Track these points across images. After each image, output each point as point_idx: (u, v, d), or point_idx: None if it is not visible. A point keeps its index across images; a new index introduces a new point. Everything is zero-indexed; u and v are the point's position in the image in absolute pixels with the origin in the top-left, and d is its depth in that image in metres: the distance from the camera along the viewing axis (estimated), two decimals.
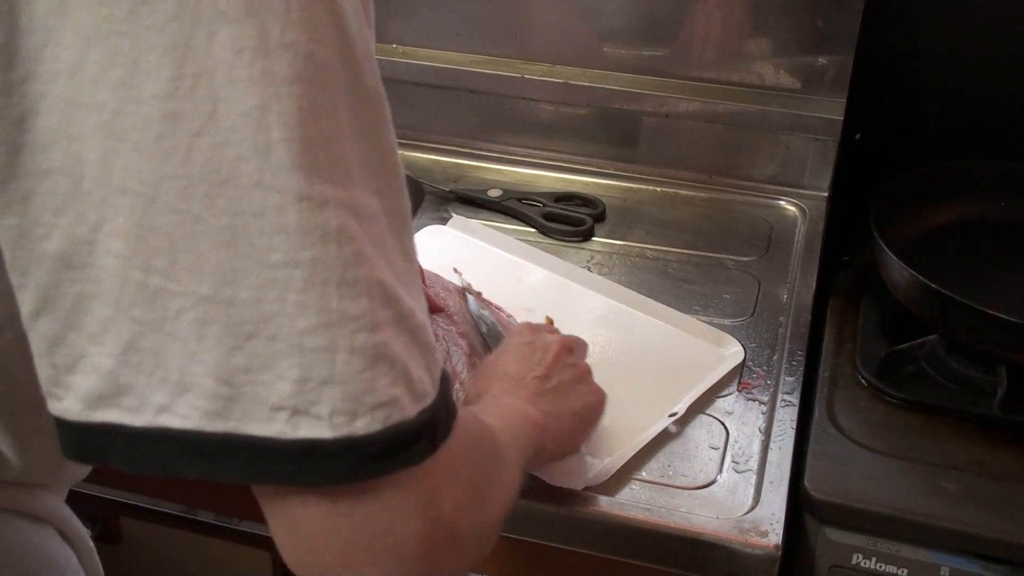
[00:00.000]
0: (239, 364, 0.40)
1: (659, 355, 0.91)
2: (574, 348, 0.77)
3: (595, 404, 0.75)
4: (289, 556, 0.45)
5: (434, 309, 0.90)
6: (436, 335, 0.87)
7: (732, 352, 0.91)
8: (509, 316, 0.92)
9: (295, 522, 0.43)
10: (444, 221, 1.10)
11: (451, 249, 1.05)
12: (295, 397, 0.40)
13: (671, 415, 0.83)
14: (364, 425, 0.41)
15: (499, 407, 0.65)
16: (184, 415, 0.40)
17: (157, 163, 0.38)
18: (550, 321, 0.93)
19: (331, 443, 0.40)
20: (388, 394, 0.41)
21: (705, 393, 0.86)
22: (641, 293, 0.98)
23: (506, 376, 0.71)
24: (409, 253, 0.45)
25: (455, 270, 0.99)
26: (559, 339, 0.77)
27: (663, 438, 0.82)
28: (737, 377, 0.89)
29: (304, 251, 0.39)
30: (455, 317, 0.89)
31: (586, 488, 0.76)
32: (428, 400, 0.44)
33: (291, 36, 0.39)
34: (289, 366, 0.40)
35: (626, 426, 0.81)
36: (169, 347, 0.40)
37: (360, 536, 0.43)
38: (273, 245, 0.39)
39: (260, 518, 0.45)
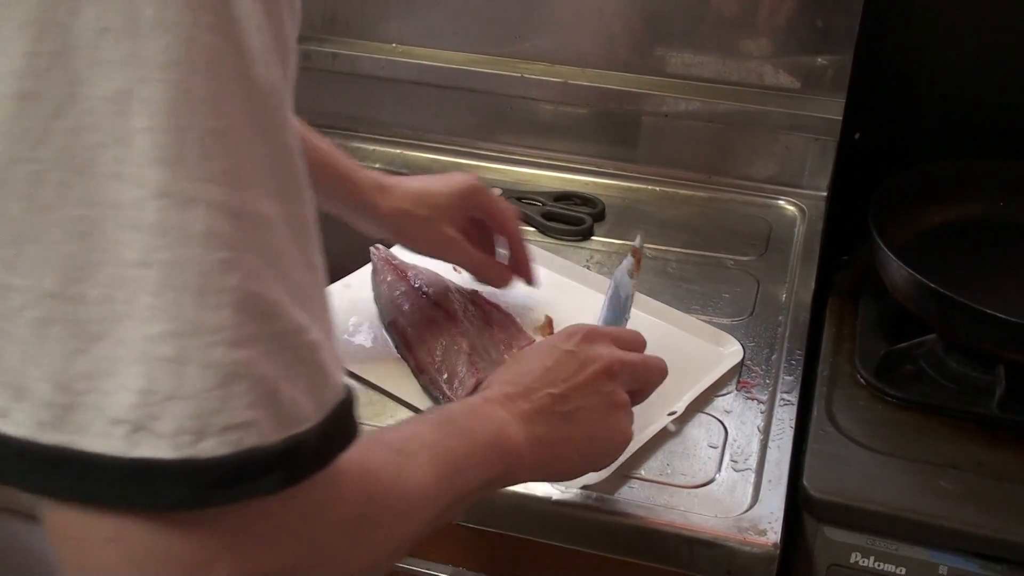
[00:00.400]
0: (80, 369, 0.37)
1: (658, 354, 0.90)
2: (619, 372, 0.68)
3: (605, 441, 0.68)
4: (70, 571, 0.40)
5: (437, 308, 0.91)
6: (435, 334, 0.87)
7: (731, 351, 0.91)
8: (507, 315, 0.92)
9: (105, 540, 0.39)
10: None
11: None
12: (137, 410, 0.36)
13: (670, 414, 0.83)
14: (210, 448, 0.37)
15: (475, 418, 0.61)
16: (19, 422, 0.37)
17: (8, 144, 0.36)
18: (550, 320, 0.93)
19: (172, 464, 0.37)
20: (242, 416, 0.38)
21: (704, 392, 0.86)
22: (640, 292, 0.98)
23: (517, 382, 0.65)
24: (313, 265, 0.42)
25: (455, 268, 0.99)
26: (608, 357, 0.68)
27: (662, 436, 0.82)
28: (736, 376, 0.89)
29: (160, 252, 0.36)
30: (455, 317, 0.89)
31: (584, 486, 0.76)
32: (303, 426, 0.40)
33: (169, 18, 0.36)
34: (134, 375, 0.36)
35: None
36: (8, 347, 0.37)
37: (164, 566, 0.39)
38: (128, 241, 0.36)
39: None
